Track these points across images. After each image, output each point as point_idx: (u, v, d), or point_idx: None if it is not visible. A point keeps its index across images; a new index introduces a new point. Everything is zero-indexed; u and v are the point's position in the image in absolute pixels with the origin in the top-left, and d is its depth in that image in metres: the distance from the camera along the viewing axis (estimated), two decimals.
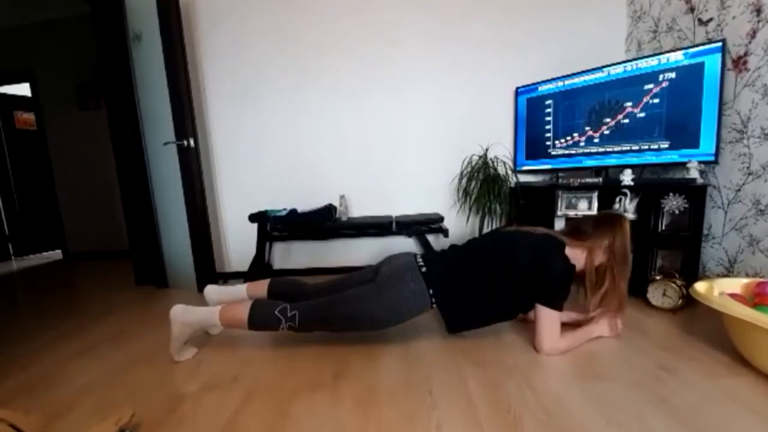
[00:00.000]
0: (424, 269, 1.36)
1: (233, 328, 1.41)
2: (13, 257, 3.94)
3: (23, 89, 3.78)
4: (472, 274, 1.34)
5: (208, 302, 1.61)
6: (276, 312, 1.35)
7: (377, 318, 1.34)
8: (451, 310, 1.36)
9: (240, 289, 1.65)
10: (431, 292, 1.32)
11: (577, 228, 1.38)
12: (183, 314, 1.38)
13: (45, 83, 3.60)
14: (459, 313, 1.37)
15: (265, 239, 2.35)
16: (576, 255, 1.32)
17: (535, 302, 1.29)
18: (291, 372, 1.29)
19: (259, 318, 1.36)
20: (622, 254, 1.30)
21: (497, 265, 1.32)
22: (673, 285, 1.60)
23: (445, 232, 2.31)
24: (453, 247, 1.51)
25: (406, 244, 2.54)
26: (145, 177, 2.37)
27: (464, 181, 2.33)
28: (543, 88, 2.24)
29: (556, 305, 1.27)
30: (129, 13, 2.22)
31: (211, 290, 1.65)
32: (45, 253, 4.11)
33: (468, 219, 2.40)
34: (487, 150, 2.29)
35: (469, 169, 2.31)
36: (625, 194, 1.81)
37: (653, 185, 1.75)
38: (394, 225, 2.24)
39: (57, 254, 4.00)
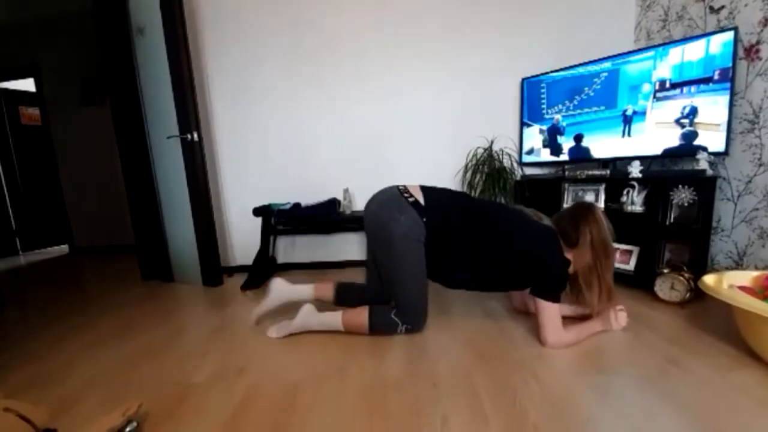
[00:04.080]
0: (411, 200, 1.36)
1: (354, 332, 1.46)
2: (20, 252, 3.98)
3: (28, 84, 3.79)
4: (465, 230, 1.35)
5: (270, 292, 1.58)
6: (392, 315, 1.40)
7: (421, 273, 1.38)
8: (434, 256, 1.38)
9: (307, 291, 1.59)
10: (424, 220, 1.34)
11: (562, 232, 1.34)
12: (312, 315, 1.50)
13: (49, 78, 3.61)
14: (440, 262, 1.38)
15: (269, 233, 2.36)
16: (568, 257, 1.33)
17: (535, 295, 1.30)
18: (296, 364, 1.29)
19: (379, 322, 1.42)
20: (602, 247, 1.29)
21: (493, 235, 1.34)
22: (681, 278, 1.58)
23: None
24: (457, 193, 1.50)
25: None
26: (149, 171, 2.38)
27: (469, 174, 2.31)
28: (549, 79, 2.21)
29: (556, 298, 1.29)
30: (132, 6, 2.21)
31: (278, 284, 1.60)
32: (51, 248, 4.14)
33: None
34: (492, 142, 2.27)
35: (474, 162, 2.29)
36: (633, 186, 1.79)
37: (662, 177, 1.73)
38: None
39: (63, 249, 4.04)
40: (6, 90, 3.86)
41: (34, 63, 3.59)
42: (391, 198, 1.40)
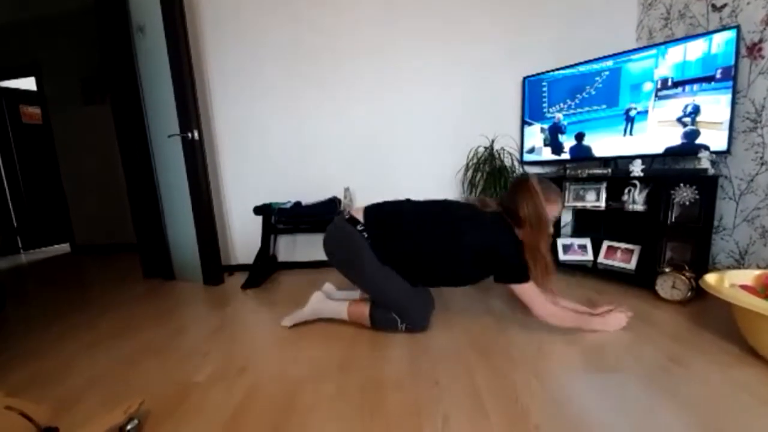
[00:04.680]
0: (365, 234, 1.41)
1: (357, 323, 1.51)
2: (21, 250, 3.99)
3: (29, 83, 3.79)
4: (409, 236, 1.40)
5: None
6: (393, 313, 1.43)
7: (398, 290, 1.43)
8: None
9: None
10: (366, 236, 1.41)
11: (508, 212, 1.37)
12: (322, 302, 1.57)
13: (50, 77, 3.61)
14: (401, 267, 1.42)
15: (269, 232, 2.36)
16: (519, 235, 1.36)
17: (504, 283, 1.36)
18: (297, 363, 1.29)
19: (380, 318, 1.45)
20: (535, 218, 1.30)
21: (439, 236, 1.38)
22: (683, 277, 1.58)
23: None
24: (401, 202, 1.53)
25: None
26: (150, 170, 2.38)
27: (470, 172, 2.30)
28: (551, 77, 2.20)
29: (525, 279, 1.32)
30: (132, 5, 2.20)
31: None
32: (53, 247, 4.15)
33: None
34: (493, 141, 2.27)
35: (475, 161, 2.28)
36: (634, 185, 1.79)
37: (663, 176, 1.73)
38: None
39: (65, 247, 4.04)
40: (7, 89, 3.86)
41: (34, 62, 3.59)
42: (339, 230, 1.47)
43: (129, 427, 0.95)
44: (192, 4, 2.32)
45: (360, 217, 1.44)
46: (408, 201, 1.53)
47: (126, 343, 1.52)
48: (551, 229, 1.37)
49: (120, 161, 2.50)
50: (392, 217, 1.46)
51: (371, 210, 1.48)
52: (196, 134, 2.14)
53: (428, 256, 1.40)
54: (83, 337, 1.61)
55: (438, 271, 1.43)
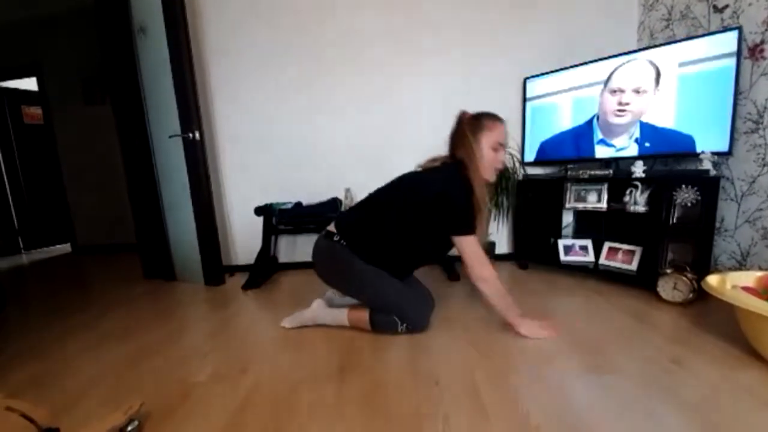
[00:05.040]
0: (342, 242, 1.42)
1: (358, 328, 1.48)
2: (22, 251, 3.99)
3: (30, 83, 3.80)
4: (379, 219, 1.41)
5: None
6: (393, 317, 1.41)
7: (386, 294, 1.42)
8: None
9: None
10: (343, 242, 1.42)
11: (453, 158, 1.41)
12: (322, 310, 1.55)
13: (52, 78, 3.62)
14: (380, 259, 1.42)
15: (270, 232, 2.36)
16: (470, 177, 1.34)
17: (453, 236, 1.33)
18: (298, 364, 1.29)
19: (380, 321, 1.43)
20: (467, 154, 1.34)
21: (399, 202, 1.39)
22: (684, 278, 1.57)
23: None
24: (361, 203, 1.54)
25: None
26: (151, 170, 2.38)
27: None
28: (552, 78, 2.20)
29: (470, 230, 1.31)
30: (134, 5, 2.21)
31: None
32: (54, 247, 4.15)
33: None
34: None
35: None
36: (636, 186, 1.78)
37: (665, 177, 1.72)
38: None
39: (66, 248, 4.04)
40: (8, 89, 3.87)
41: (36, 62, 3.60)
42: (320, 249, 1.50)
43: (129, 428, 0.95)
44: (193, 5, 2.32)
45: (333, 228, 1.47)
46: (369, 193, 1.52)
47: (127, 344, 1.52)
48: (495, 161, 1.36)
49: (121, 161, 2.51)
50: (358, 212, 1.49)
51: (340, 217, 1.52)
52: (197, 135, 2.15)
53: (398, 231, 1.38)
54: (84, 337, 1.62)
55: (413, 243, 1.42)
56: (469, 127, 1.37)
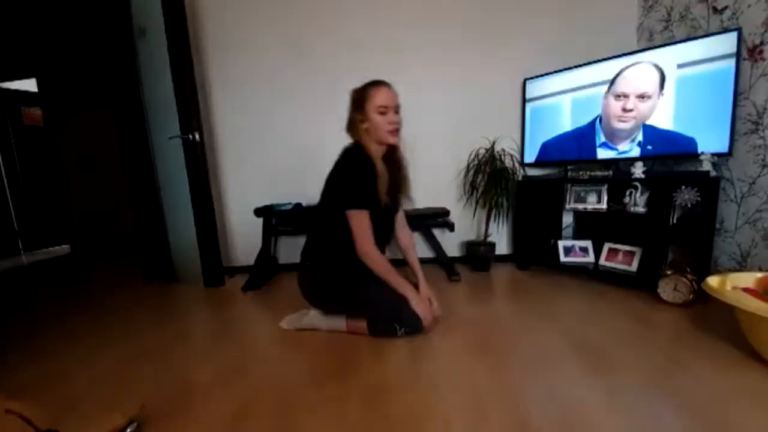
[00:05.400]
0: (313, 266, 1.50)
1: (356, 333, 1.47)
2: (22, 252, 3.99)
3: (30, 85, 3.79)
4: (323, 226, 1.48)
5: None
6: (391, 322, 1.42)
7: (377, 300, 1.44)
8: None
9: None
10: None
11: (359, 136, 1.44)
12: (319, 318, 1.54)
13: (51, 79, 3.62)
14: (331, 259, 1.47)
15: (270, 234, 2.36)
16: (370, 150, 1.39)
17: (342, 210, 1.37)
18: (298, 366, 1.29)
19: (378, 326, 1.44)
20: (353, 126, 1.41)
21: (324, 202, 1.46)
22: (684, 279, 1.58)
23: (450, 227, 2.30)
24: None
25: None
26: (151, 171, 2.37)
27: (471, 174, 2.30)
28: (551, 79, 2.20)
29: (353, 205, 1.35)
30: (134, 7, 2.21)
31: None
32: (53, 248, 4.15)
33: (475, 213, 2.37)
34: (494, 143, 2.26)
35: (476, 163, 2.28)
36: (635, 187, 1.78)
37: (665, 178, 1.72)
38: None
39: (65, 249, 4.04)
40: (8, 90, 3.86)
41: (36, 63, 3.59)
42: (302, 280, 1.54)
43: (129, 430, 0.94)
44: (193, 6, 2.32)
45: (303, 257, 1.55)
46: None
47: (126, 346, 1.52)
48: (385, 124, 1.37)
49: (121, 163, 2.50)
50: (311, 231, 1.56)
51: (305, 245, 1.57)
52: (197, 136, 2.14)
53: (336, 227, 1.40)
54: (84, 339, 1.61)
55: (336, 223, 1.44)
56: (353, 103, 1.42)
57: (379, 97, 1.37)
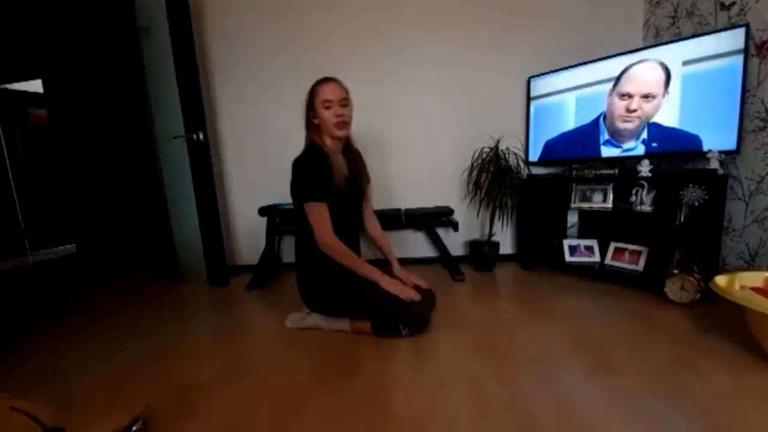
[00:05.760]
0: (305, 273, 1.53)
1: (360, 333, 1.48)
2: (29, 251, 4.02)
3: (36, 85, 3.82)
4: (299, 229, 1.50)
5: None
6: (395, 322, 1.43)
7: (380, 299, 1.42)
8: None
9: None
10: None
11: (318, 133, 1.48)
12: (322, 318, 1.55)
13: (57, 79, 3.64)
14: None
15: (274, 233, 2.36)
16: (326, 145, 1.44)
17: (301, 203, 1.40)
18: (302, 365, 1.29)
19: (382, 326, 1.44)
20: (307, 124, 1.47)
21: (294, 203, 1.47)
22: (691, 279, 1.56)
23: (455, 226, 2.29)
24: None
25: (415, 238, 2.52)
26: (156, 171, 2.38)
27: (475, 173, 2.29)
28: (556, 77, 2.18)
29: (309, 197, 1.37)
30: (138, 7, 2.21)
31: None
32: (59, 248, 4.18)
33: (479, 212, 2.37)
34: (498, 142, 2.25)
35: (480, 162, 2.27)
36: (642, 186, 1.77)
37: (671, 176, 1.71)
38: (403, 218, 2.22)
39: (71, 248, 4.07)
40: (15, 91, 3.89)
41: (41, 64, 3.62)
42: (302, 287, 1.56)
43: (134, 428, 0.95)
44: (197, 6, 2.33)
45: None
46: None
47: (131, 344, 1.53)
48: (332, 117, 1.41)
49: (126, 162, 2.52)
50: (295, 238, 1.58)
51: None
52: (201, 135, 2.15)
53: (305, 227, 1.43)
54: (88, 338, 1.62)
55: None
56: (307, 103, 1.46)
57: (323, 93, 1.41)
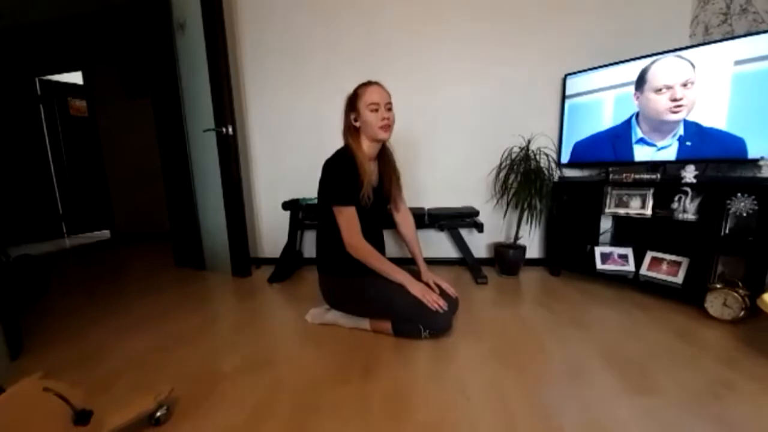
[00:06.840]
0: (326, 272, 1.53)
1: (380, 333, 1.48)
2: (66, 235, 4.22)
3: (76, 77, 3.99)
4: (324, 227, 1.51)
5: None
6: (416, 324, 1.40)
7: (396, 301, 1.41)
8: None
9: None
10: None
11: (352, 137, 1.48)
12: (343, 316, 1.55)
13: (96, 72, 3.79)
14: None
15: (296, 227, 2.37)
16: (361, 150, 1.44)
17: (330, 206, 1.41)
18: (321, 360, 1.29)
19: (403, 327, 1.42)
20: (346, 128, 1.47)
21: (320, 203, 1.50)
22: (735, 294, 1.46)
23: (479, 227, 2.23)
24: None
25: (438, 239, 2.48)
26: (186, 162, 2.44)
27: (503, 173, 2.22)
28: (594, 74, 2.08)
29: (338, 202, 1.38)
30: (174, 3, 2.26)
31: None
32: (94, 233, 4.37)
33: (505, 214, 2.29)
34: (529, 141, 2.17)
35: (508, 162, 2.20)
36: (685, 193, 1.66)
37: (718, 184, 1.59)
38: (426, 218, 2.18)
39: (105, 234, 4.25)
40: (57, 82, 4.08)
41: (81, 57, 3.78)
42: (323, 284, 1.56)
43: (159, 413, 0.97)
44: (231, 3, 2.36)
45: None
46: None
47: (158, 330, 1.57)
48: (377, 120, 1.40)
49: (158, 153, 2.59)
50: (317, 236, 1.58)
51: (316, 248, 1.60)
52: (230, 129, 2.18)
53: (330, 228, 1.44)
54: (118, 322, 1.68)
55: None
56: (347, 105, 1.46)
57: (370, 95, 1.40)
